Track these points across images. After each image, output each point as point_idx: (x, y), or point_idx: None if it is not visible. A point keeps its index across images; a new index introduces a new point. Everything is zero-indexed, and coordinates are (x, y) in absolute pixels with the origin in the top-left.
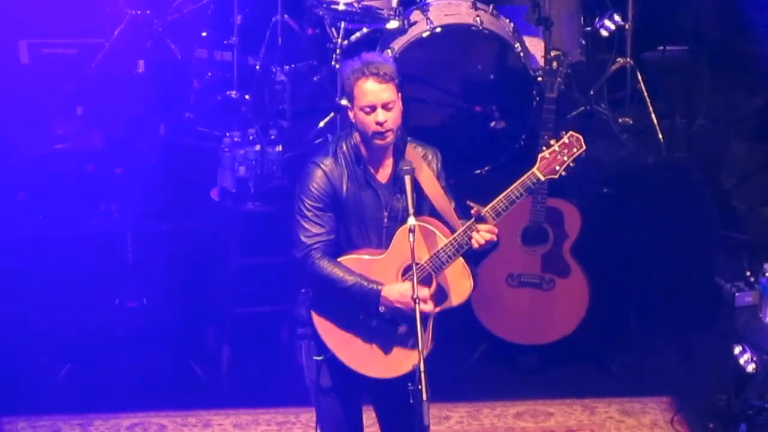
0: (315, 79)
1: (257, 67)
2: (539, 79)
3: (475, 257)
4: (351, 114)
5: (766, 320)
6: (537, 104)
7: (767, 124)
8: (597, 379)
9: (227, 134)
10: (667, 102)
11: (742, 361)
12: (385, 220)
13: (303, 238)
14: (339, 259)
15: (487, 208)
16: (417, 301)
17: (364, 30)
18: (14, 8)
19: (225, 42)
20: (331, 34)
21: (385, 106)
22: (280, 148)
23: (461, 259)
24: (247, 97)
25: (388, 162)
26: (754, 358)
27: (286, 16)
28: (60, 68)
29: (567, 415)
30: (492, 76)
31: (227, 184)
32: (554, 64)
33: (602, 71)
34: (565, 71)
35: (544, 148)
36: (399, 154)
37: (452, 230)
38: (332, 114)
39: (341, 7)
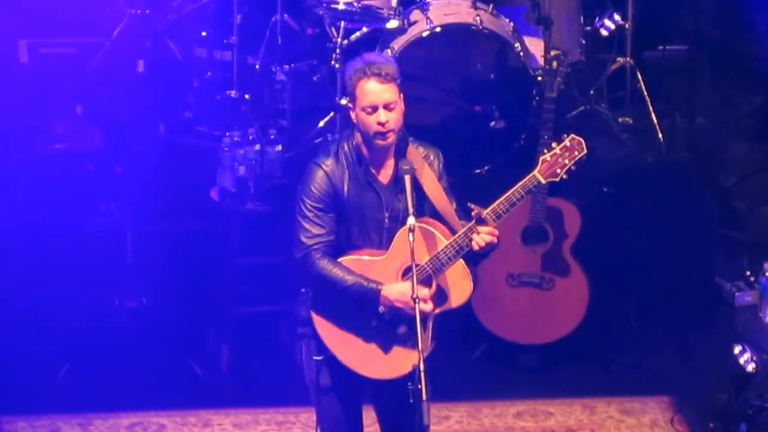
0: (315, 78)
1: (257, 66)
2: (539, 78)
3: (475, 259)
4: (353, 114)
5: (766, 320)
6: (537, 104)
7: (767, 124)
8: (597, 379)
9: (227, 134)
10: (667, 101)
11: (742, 360)
12: (386, 220)
13: (303, 239)
14: (339, 260)
15: (488, 210)
16: (417, 300)
17: (364, 29)
18: (13, 8)
19: (225, 41)
20: (330, 34)
21: (387, 107)
22: (279, 147)
23: (461, 260)
24: (246, 96)
25: (390, 163)
26: (754, 358)
27: (285, 15)
28: (59, 68)
29: (567, 414)
30: (492, 76)
31: (227, 184)
32: (554, 63)
33: (602, 71)
34: (564, 71)
35: (545, 150)
36: (400, 154)
37: (453, 231)
38: (332, 113)
39: (341, 7)
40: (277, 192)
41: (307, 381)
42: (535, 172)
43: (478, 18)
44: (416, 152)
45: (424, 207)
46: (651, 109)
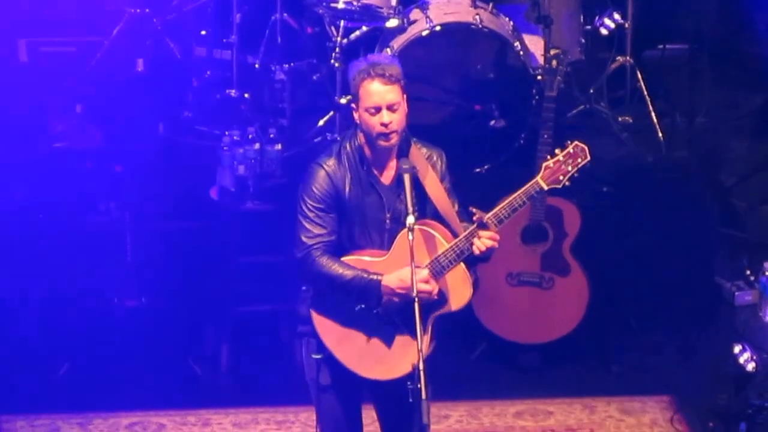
0: (314, 77)
1: (256, 65)
2: (539, 77)
3: (475, 262)
4: (356, 115)
5: (766, 319)
6: (537, 103)
7: (767, 123)
8: (597, 378)
9: (226, 133)
10: (667, 100)
11: (742, 360)
12: (388, 221)
13: (304, 239)
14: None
15: (490, 214)
16: (417, 300)
17: (364, 28)
18: (13, 7)
19: (224, 40)
20: (330, 33)
21: (390, 108)
22: (279, 146)
23: (462, 264)
24: (246, 95)
25: (392, 164)
26: (754, 357)
27: (285, 14)
28: (59, 66)
29: (567, 414)
30: (492, 75)
31: (226, 183)
32: (554, 62)
33: (602, 70)
34: (564, 70)
35: (548, 156)
36: (403, 155)
37: (454, 233)
38: (332, 113)
39: (341, 6)
40: (277, 191)
41: (307, 379)
42: (538, 178)
43: (477, 17)
44: (419, 153)
45: (425, 208)
46: (651, 108)
